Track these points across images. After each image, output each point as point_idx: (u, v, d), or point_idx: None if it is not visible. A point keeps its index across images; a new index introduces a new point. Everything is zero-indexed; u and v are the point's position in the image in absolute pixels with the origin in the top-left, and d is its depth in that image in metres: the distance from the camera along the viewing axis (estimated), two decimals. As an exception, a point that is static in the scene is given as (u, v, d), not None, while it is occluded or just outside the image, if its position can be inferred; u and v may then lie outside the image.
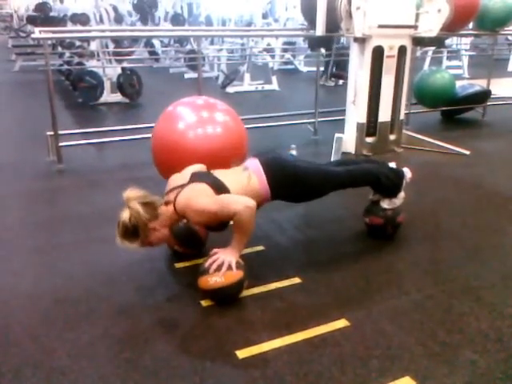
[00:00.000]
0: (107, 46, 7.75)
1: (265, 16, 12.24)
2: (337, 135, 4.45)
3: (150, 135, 3.23)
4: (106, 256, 2.65)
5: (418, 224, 3.04)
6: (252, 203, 2.14)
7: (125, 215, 2.09)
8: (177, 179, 2.37)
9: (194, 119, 2.99)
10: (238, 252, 2.20)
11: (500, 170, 4.13)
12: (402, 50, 4.30)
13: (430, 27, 4.24)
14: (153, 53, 11.04)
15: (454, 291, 2.32)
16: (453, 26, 4.59)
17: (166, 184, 2.44)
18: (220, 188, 2.24)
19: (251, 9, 11.44)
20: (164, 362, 1.85)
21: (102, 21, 10.30)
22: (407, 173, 2.80)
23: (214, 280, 2.12)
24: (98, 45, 7.52)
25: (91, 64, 7.34)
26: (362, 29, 4.07)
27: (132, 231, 2.10)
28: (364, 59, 4.21)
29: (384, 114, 4.42)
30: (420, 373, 1.79)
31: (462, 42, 10.28)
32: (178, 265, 2.55)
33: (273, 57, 10.01)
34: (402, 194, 2.77)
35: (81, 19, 10.32)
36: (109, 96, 7.01)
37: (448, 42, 9.32)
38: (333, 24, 4.28)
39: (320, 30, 4.29)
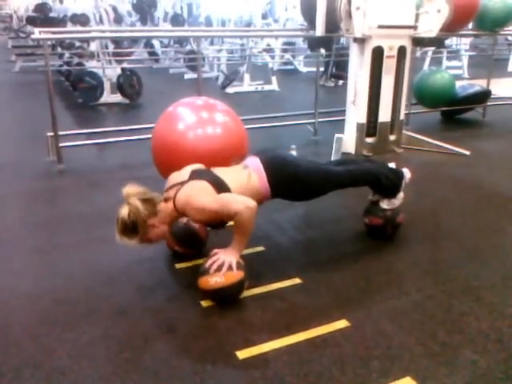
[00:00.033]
0: (107, 47, 7.74)
1: (264, 16, 12.26)
2: (337, 135, 4.46)
3: (149, 135, 3.23)
4: (106, 256, 2.65)
5: (418, 224, 3.04)
6: (252, 204, 2.14)
7: (124, 211, 2.09)
8: (176, 177, 2.37)
9: (194, 120, 2.99)
10: (238, 252, 2.19)
11: (500, 170, 4.13)
12: (401, 51, 4.30)
13: (430, 27, 4.24)
14: (152, 53, 11.04)
15: (454, 291, 2.32)
16: (452, 26, 4.59)
17: (166, 182, 2.44)
18: (220, 186, 2.24)
19: (251, 9, 11.44)
20: (164, 363, 1.85)
21: (101, 21, 10.29)
22: (406, 173, 2.80)
23: (214, 280, 2.12)
24: (97, 45, 7.50)
25: (91, 64, 7.35)
26: (362, 29, 4.07)
27: (131, 227, 2.10)
28: (364, 59, 4.21)
29: (384, 115, 4.42)
30: (420, 373, 1.79)
31: (461, 43, 10.28)
32: (179, 265, 2.55)
33: (272, 57, 10.00)
34: (401, 195, 2.77)
35: (80, 20, 10.32)
36: (109, 96, 7.01)
37: (448, 42, 9.32)
38: (332, 24, 4.28)
39: (320, 31, 4.29)
